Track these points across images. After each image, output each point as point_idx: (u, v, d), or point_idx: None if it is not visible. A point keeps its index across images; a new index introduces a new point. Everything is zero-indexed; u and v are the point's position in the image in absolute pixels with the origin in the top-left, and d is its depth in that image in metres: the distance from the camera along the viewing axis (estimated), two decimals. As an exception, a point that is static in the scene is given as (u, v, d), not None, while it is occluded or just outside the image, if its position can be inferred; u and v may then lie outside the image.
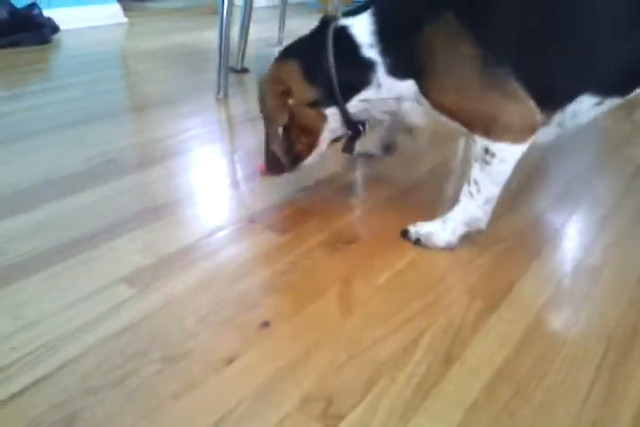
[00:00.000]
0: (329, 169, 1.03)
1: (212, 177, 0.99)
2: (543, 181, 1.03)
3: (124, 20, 2.43)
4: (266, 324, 0.64)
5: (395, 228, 0.84)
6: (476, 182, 0.75)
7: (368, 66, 0.75)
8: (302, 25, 2.47)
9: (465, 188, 0.77)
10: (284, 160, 0.85)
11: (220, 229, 0.82)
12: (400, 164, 1.07)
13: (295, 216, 0.86)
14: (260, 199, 0.91)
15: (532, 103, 0.70)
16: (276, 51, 0.97)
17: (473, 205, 0.77)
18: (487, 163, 0.73)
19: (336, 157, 1.08)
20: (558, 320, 0.66)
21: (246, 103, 1.39)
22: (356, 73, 0.76)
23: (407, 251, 0.79)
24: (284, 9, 2.05)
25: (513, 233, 0.85)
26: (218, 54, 1.40)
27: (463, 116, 0.73)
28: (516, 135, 0.71)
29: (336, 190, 0.95)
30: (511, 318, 0.66)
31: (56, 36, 2.05)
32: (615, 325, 0.66)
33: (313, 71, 0.79)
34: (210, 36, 2.14)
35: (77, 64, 1.69)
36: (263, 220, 0.85)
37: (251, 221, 0.85)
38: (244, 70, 1.67)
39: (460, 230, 0.79)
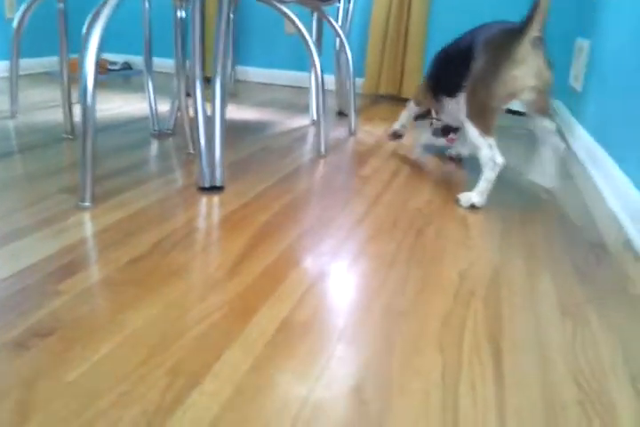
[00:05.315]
0: (25, 258, 0.95)
1: None
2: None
3: None
4: None
5: (103, 312, 0.79)
6: None
7: None
8: (46, 96, 2.35)
9: None
10: None
11: None
12: (107, 245, 1.02)
13: (-21, 314, 0.76)
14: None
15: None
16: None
17: None
18: None
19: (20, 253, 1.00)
20: (258, 386, 0.66)
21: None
22: None
23: (112, 336, 0.73)
24: (15, 79, 1.91)
25: (227, 301, 0.84)
26: None
27: None
28: None
29: (39, 279, 0.87)
30: (212, 391, 0.64)
31: None
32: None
33: None
34: None
35: None
36: (-61, 323, 0.73)
37: None
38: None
39: None
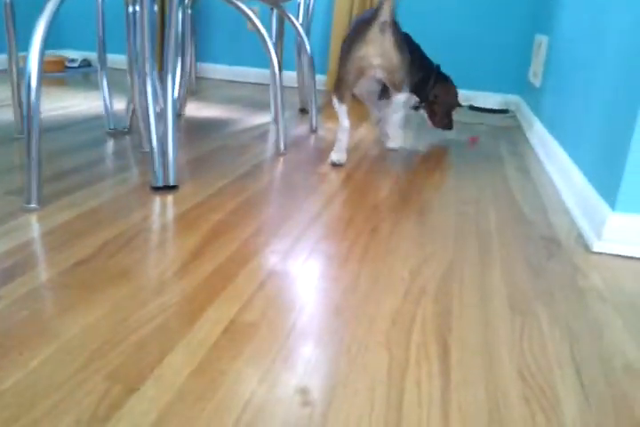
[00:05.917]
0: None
1: None
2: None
3: None
4: None
5: (43, 317, 0.76)
6: None
7: None
8: (1, 95, 2.28)
9: None
10: None
11: None
12: (52, 248, 1.00)
13: None
14: None
15: None
16: None
17: None
18: None
19: (-11, 241, 0.96)
20: (200, 389, 0.64)
21: None
22: None
23: (51, 341, 0.71)
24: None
25: (174, 302, 0.83)
26: None
27: None
28: None
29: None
30: (152, 396, 0.63)
31: None
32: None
33: None
34: None
35: None
36: None
37: None
38: None
39: None
